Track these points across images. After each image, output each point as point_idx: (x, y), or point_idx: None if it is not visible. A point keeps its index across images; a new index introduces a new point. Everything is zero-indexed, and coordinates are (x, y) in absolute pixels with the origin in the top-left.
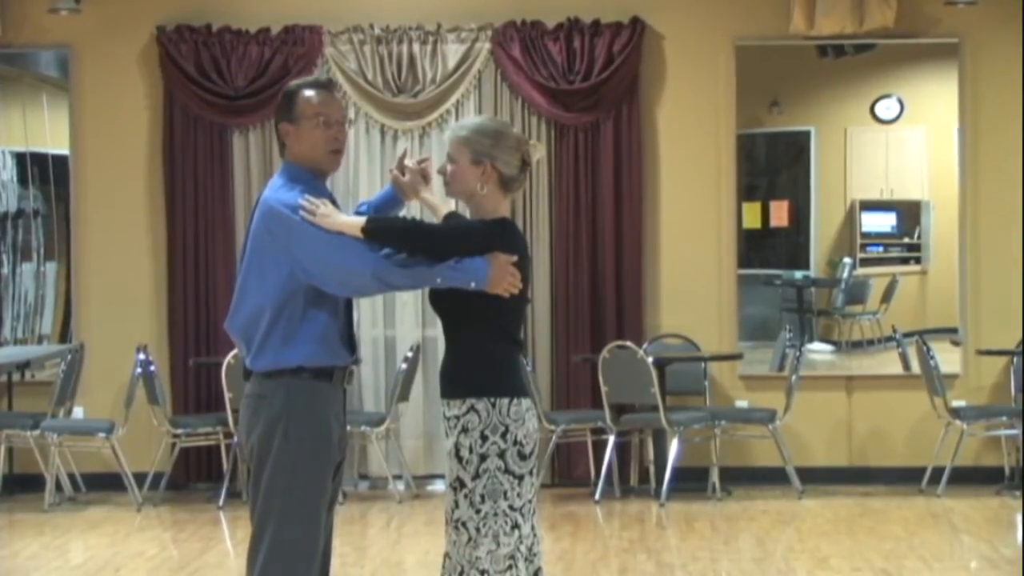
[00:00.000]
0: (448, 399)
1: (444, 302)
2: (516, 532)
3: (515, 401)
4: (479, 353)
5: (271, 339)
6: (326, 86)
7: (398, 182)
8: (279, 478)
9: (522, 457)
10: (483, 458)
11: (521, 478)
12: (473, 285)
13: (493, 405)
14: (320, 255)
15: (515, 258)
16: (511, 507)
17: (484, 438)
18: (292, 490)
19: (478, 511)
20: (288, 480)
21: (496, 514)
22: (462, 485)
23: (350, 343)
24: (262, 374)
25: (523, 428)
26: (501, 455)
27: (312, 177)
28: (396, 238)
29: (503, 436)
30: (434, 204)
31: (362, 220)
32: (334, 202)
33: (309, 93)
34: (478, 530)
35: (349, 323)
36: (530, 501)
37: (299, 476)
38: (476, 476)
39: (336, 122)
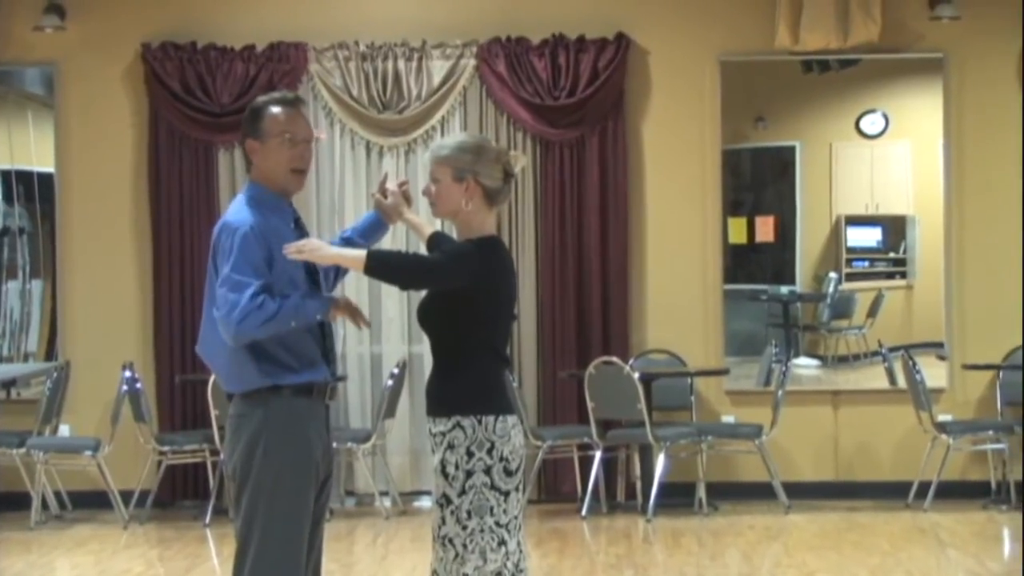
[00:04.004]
0: (434, 416)
1: (431, 319)
2: (503, 548)
3: (501, 418)
4: (465, 370)
5: (243, 361)
6: (293, 103)
7: (381, 205)
8: (260, 496)
9: (508, 473)
10: (469, 474)
11: (507, 494)
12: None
13: (479, 422)
14: (219, 295)
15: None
16: (497, 523)
17: (470, 454)
18: (273, 507)
19: (464, 527)
20: (268, 497)
21: (483, 530)
22: (448, 501)
23: (328, 358)
24: (241, 395)
25: (509, 444)
26: (487, 471)
27: (275, 198)
28: (397, 274)
29: (489, 452)
30: (418, 224)
31: (362, 254)
32: (298, 221)
33: (276, 110)
34: (465, 546)
35: (325, 338)
36: (516, 517)
37: (279, 493)
38: (462, 492)
39: (302, 140)
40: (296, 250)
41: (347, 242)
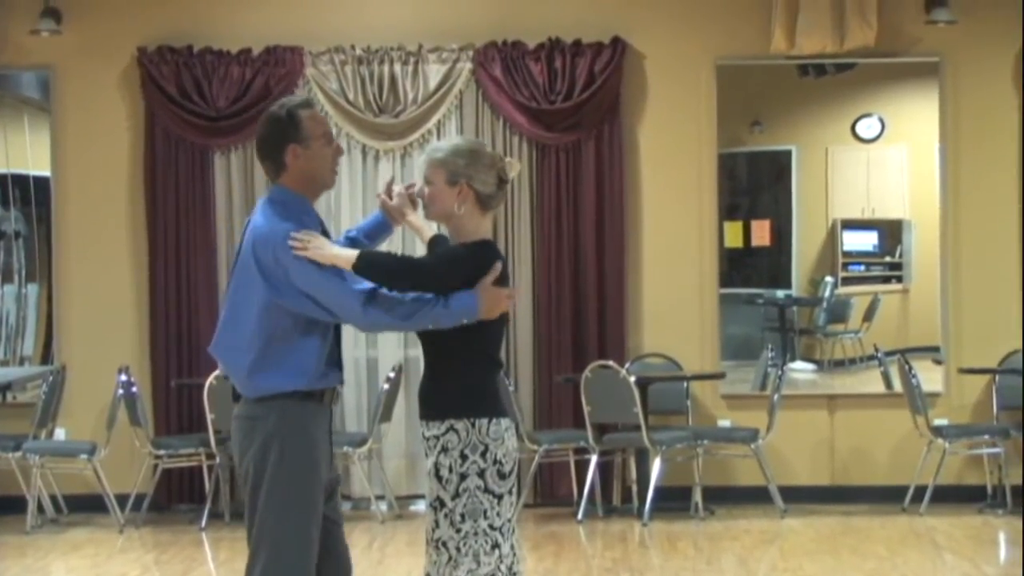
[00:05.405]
0: (427, 420)
1: None
2: (496, 551)
3: (494, 420)
4: (458, 374)
5: (261, 365)
6: (315, 105)
7: (386, 206)
8: (274, 499)
9: (501, 476)
10: (463, 477)
11: (501, 497)
12: (466, 321)
13: (473, 425)
14: (317, 287)
15: (498, 269)
16: (491, 526)
17: (464, 457)
18: (287, 511)
19: (458, 530)
20: (283, 501)
21: (476, 533)
22: (442, 505)
23: (339, 364)
24: (253, 398)
25: (502, 447)
26: (481, 474)
27: (303, 201)
28: (385, 275)
29: (483, 455)
30: (419, 227)
31: (354, 254)
32: (322, 224)
33: (310, 112)
34: (458, 549)
35: (338, 344)
36: (510, 520)
37: (293, 497)
38: (456, 495)
39: (335, 139)
40: (301, 246)
41: (352, 242)
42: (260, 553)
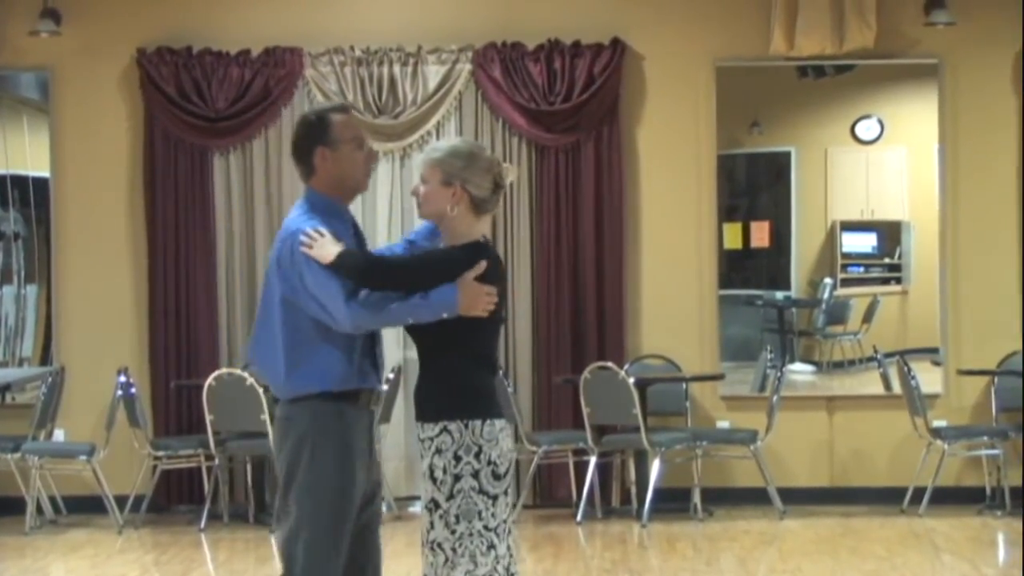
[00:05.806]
0: (422, 421)
1: (417, 325)
2: (492, 552)
3: (488, 421)
4: (452, 375)
5: (291, 366)
6: (349, 110)
7: None
8: (306, 500)
9: (496, 477)
10: (457, 478)
11: (495, 498)
12: (446, 315)
13: (466, 426)
14: (317, 287)
15: (482, 266)
16: (486, 527)
17: (458, 459)
18: (319, 513)
19: (453, 532)
20: (316, 502)
21: (472, 534)
22: (437, 506)
23: (375, 364)
24: (289, 399)
25: (497, 448)
26: (475, 475)
27: (334, 203)
28: (359, 273)
29: (477, 456)
30: None
31: (334, 252)
32: (356, 226)
33: (342, 117)
34: (454, 551)
35: (373, 344)
36: (505, 521)
37: (325, 498)
38: (451, 496)
39: (367, 143)
40: (308, 244)
41: (411, 244)
42: (296, 555)
